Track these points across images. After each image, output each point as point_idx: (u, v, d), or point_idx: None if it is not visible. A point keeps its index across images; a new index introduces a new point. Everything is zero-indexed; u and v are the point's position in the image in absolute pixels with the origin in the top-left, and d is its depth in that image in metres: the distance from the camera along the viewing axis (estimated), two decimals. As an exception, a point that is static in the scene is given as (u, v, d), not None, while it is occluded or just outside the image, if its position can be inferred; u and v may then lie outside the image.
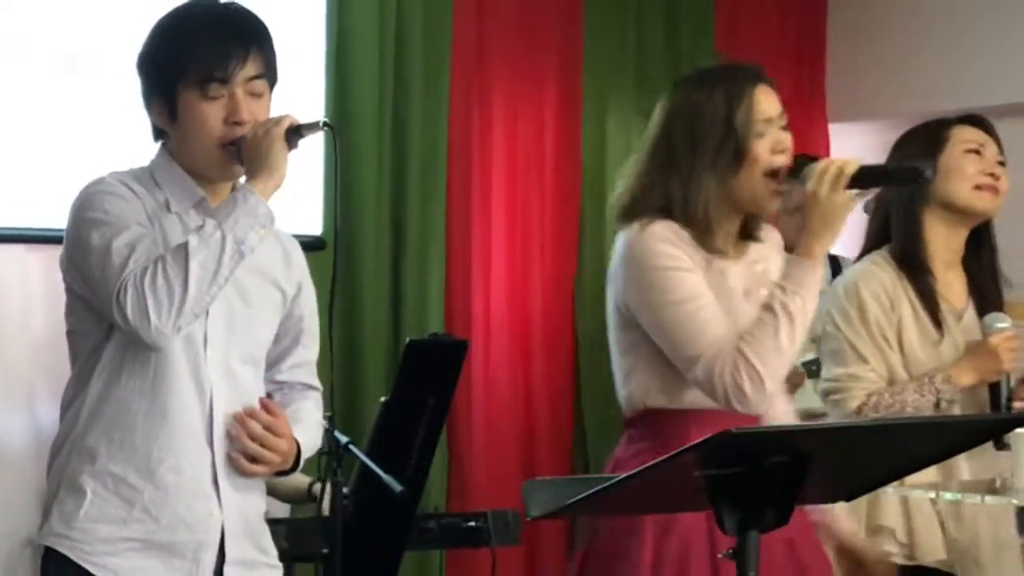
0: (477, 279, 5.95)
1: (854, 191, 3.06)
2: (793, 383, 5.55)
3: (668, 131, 3.18)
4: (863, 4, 6.74)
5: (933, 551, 3.51)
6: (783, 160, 3.16)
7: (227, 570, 2.88)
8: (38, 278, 4.97)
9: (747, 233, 3.24)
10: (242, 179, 2.91)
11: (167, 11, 2.94)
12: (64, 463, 2.86)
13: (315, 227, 5.52)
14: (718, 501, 2.35)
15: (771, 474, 2.27)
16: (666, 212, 3.13)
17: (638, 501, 2.59)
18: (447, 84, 5.90)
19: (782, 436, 2.37)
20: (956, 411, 3.50)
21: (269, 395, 3.04)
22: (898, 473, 2.68)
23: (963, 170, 3.58)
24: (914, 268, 3.56)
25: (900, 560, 3.53)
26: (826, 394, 3.55)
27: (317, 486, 4.44)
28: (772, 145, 3.18)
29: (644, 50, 6.41)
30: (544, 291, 6.07)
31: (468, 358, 5.27)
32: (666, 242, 3.09)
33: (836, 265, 5.76)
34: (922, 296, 3.54)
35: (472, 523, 4.71)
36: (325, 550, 4.05)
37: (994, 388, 3.51)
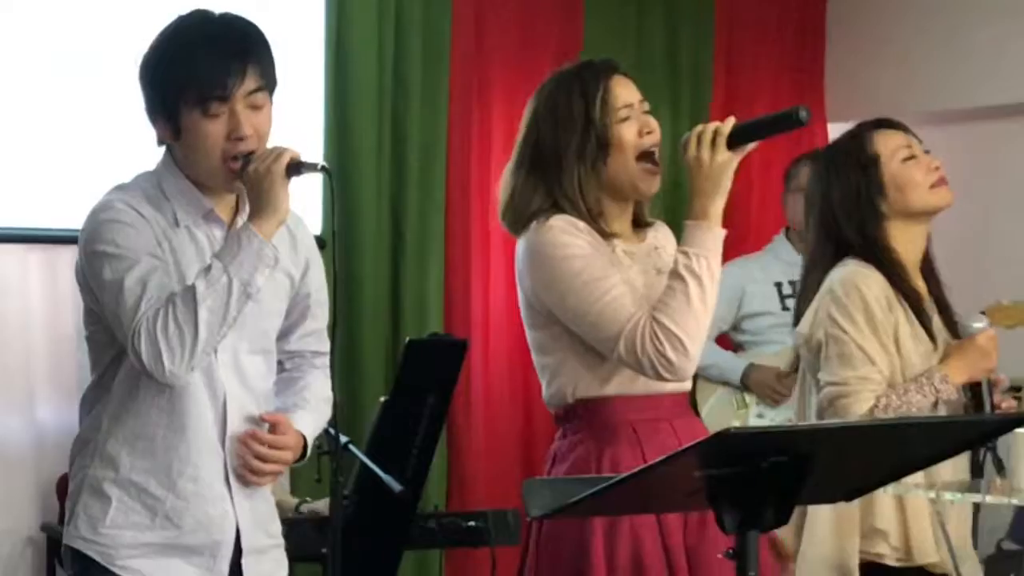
0: (476, 279, 5.95)
1: (734, 151, 3.13)
2: (781, 393, 5.54)
3: (535, 135, 3.26)
4: (862, 4, 6.74)
5: (927, 553, 3.52)
6: (652, 140, 3.23)
7: (245, 561, 2.96)
8: (37, 278, 4.97)
9: (638, 222, 3.31)
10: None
11: (165, 25, 2.95)
12: (87, 465, 2.94)
13: (315, 227, 5.52)
14: (717, 501, 2.35)
15: (770, 474, 2.28)
16: (557, 209, 3.19)
17: (638, 501, 2.59)
18: (446, 84, 5.90)
19: (782, 436, 2.37)
20: (942, 411, 3.51)
21: (280, 363, 3.11)
22: (898, 473, 2.68)
23: (913, 178, 3.60)
24: (897, 274, 3.57)
25: (891, 563, 3.53)
26: (832, 398, 3.53)
27: (304, 507, 4.47)
28: (639, 128, 3.24)
29: (644, 50, 6.41)
30: (544, 291, 6.07)
31: (467, 358, 5.27)
32: (565, 232, 3.14)
33: None
34: (911, 303, 3.56)
35: (472, 523, 4.71)
36: (325, 550, 4.06)
37: (975, 388, 3.52)
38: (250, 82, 2.87)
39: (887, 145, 3.63)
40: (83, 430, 2.98)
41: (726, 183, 3.12)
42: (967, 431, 2.60)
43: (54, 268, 4.94)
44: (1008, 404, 3.53)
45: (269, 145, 2.90)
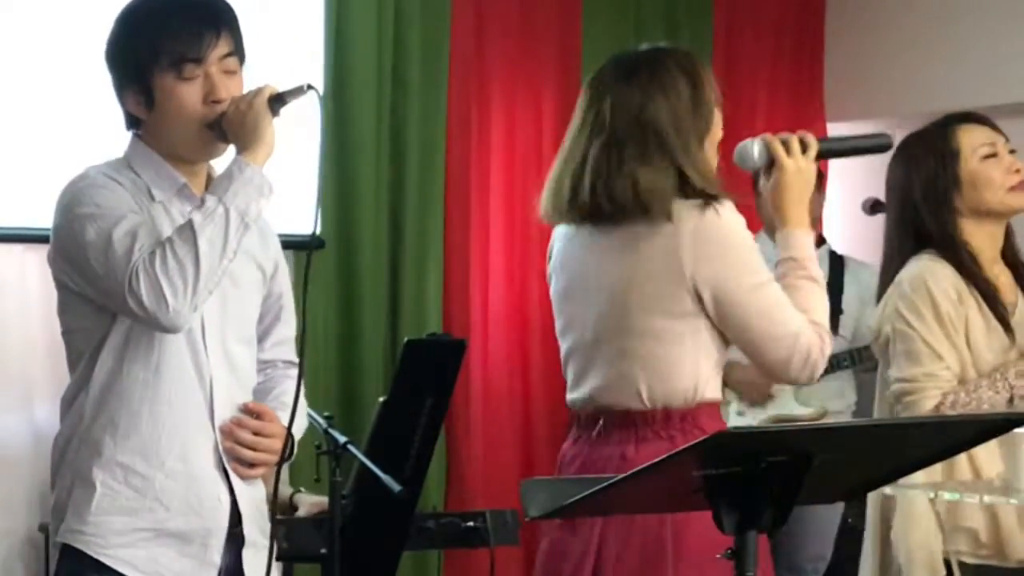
0: (475, 279, 5.95)
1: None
2: (763, 393, 5.52)
3: (647, 121, 3.15)
4: (861, 3, 6.74)
5: (1018, 551, 3.48)
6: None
7: (246, 552, 2.92)
8: (36, 278, 4.97)
9: None
10: (216, 161, 2.92)
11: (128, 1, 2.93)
12: (73, 458, 2.88)
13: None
14: (716, 501, 2.35)
15: (770, 474, 2.27)
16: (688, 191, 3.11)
17: (637, 501, 2.58)
18: (445, 84, 5.90)
19: (781, 436, 2.36)
20: (1021, 408, 3.46)
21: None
22: (898, 473, 2.67)
23: (991, 178, 3.57)
24: (969, 269, 3.54)
25: (973, 560, 3.48)
26: (900, 395, 3.50)
27: (298, 496, 4.45)
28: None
29: (643, 49, 6.40)
30: (542, 290, 6.02)
31: (467, 358, 5.27)
32: (743, 225, 3.11)
33: (841, 264, 5.71)
34: (985, 297, 3.53)
35: (471, 523, 4.70)
36: (324, 550, 4.05)
37: None
38: (223, 45, 2.85)
39: (969, 140, 3.61)
40: (62, 429, 2.91)
41: (809, 193, 3.16)
42: (967, 431, 2.60)
43: (52, 268, 4.94)
44: None
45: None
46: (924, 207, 3.58)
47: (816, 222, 5.66)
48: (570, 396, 3.25)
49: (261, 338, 3.05)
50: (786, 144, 3.11)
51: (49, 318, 4.98)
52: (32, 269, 4.96)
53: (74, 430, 2.88)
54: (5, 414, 5.03)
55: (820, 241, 5.68)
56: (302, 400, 3.08)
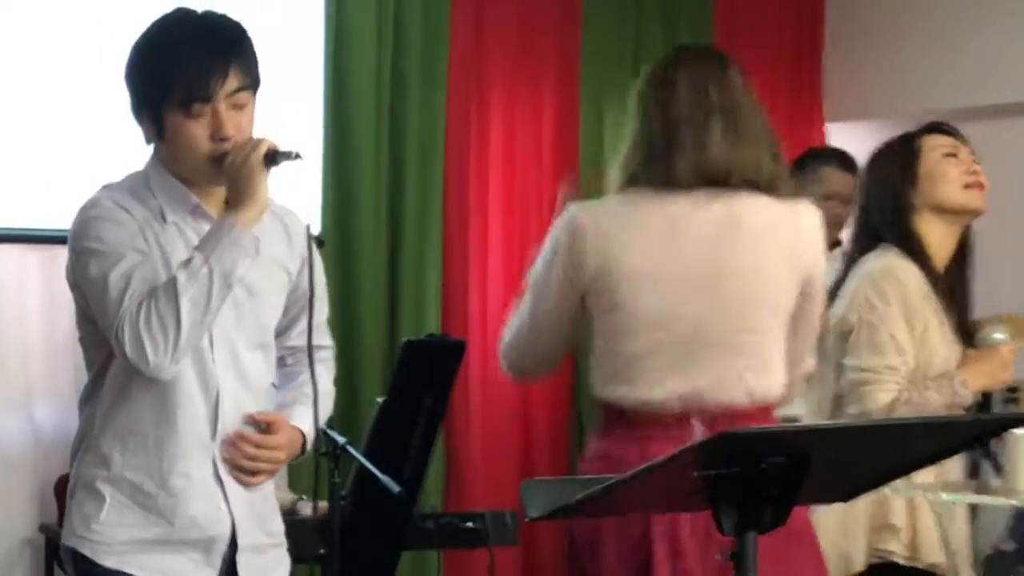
0: (474, 279, 5.95)
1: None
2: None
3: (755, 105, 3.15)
4: (860, 4, 6.74)
5: (934, 552, 3.51)
6: None
7: (240, 558, 2.95)
8: (35, 278, 4.97)
9: None
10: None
11: (148, 25, 2.95)
12: (81, 463, 2.96)
13: (313, 227, 5.52)
14: (716, 501, 2.35)
15: (769, 474, 2.27)
16: None
17: (637, 502, 2.58)
18: (445, 82, 5.90)
19: (781, 436, 2.36)
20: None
21: (282, 358, 3.10)
22: (896, 473, 2.67)
23: (947, 173, 3.62)
24: (930, 267, 3.57)
25: (900, 560, 3.52)
26: (855, 384, 3.51)
27: (300, 504, 4.46)
28: None
29: (642, 49, 6.40)
30: (542, 291, 6.07)
31: (465, 359, 5.27)
32: None
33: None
34: (943, 299, 3.54)
35: (470, 523, 4.71)
36: (323, 550, 4.05)
37: (986, 398, 3.52)
38: (232, 81, 2.86)
39: (931, 142, 3.66)
40: (80, 427, 2.99)
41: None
42: (967, 431, 2.60)
43: (52, 268, 4.93)
44: None
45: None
46: (878, 207, 3.62)
47: (840, 227, 5.65)
48: (643, 396, 3.11)
49: (287, 328, 3.10)
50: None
51: (49, 318, 5.01)
52: (32, 269, 4.96)
53: (85, 434, 2.97)
54: (5, 414, 5.03)
55: (836, 243, 5.65)
56: (330, 388, 3.14)
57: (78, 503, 2.93)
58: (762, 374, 3.07)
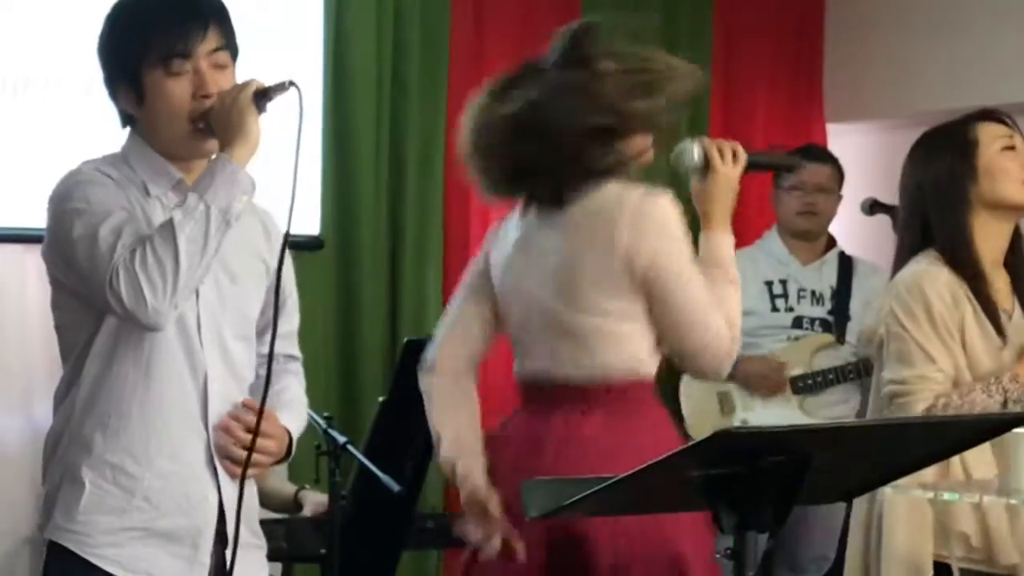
0: (475, 279, 5.94)
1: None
2: (776, 382, 5.46)
3: None
4: (860, 5, 6.73)
5: (1009, 555, 3.47)
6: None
7: (227, 554, 2.87)
8: (35, 278, 4.97)
9: None
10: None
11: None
12: (63, 454, 2.85)
13: (313, 227, 5.52)
14: (716, 501, 2.35)
15: (769, 474, 2.27)
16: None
17: (637, 501, 2.58)
18: (445, 85, 5.90)
19: (781, 436, 2.36)
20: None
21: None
22: (897, 473, 2.67)
23: (1007, 169, 3.53)
24: (968, 271, 3.51)
25: (965, 564, 3.47)
26: (892, 397, 3.49)
27: (303, 494, 4.46)
28: None
29: (642, 50, 6.40)
30: (542, 291, 6.07)
31: (466, 358, 5.25)
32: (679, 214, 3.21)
33: (850, 267, 5.63)
34: (980, 300, 3.51)
35: (470, 523, 4.70)
36: (323, 550, 4.06)
37: None
38: (212, 40, 2.84)
39: (989, 133, 3.58)
40: (54, 425, 2.89)
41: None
42: (967, 431, 2.60)
43: (52, 268, 4.95)
44: None
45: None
46: (936, 200, 3.55)
47: (829, 222, 5.63)
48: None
49: (262, 332, 3.02)
50: (721, 151, 3.25)
51: (48, 318, 5.00)
52: (31, 269, 4.96)
53: (65, 426, 2.87)
54: (5, 414, 5.03)
55: (831, 243, 5.64)
56: (304, 397, 3.08)
57: (61, 495, 2.83)
58: (604, 352, 3.21)
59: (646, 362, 3.21)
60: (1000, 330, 3.49)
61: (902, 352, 3.48)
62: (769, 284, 5.49)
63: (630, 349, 3.19)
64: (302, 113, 2.83)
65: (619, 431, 3.15)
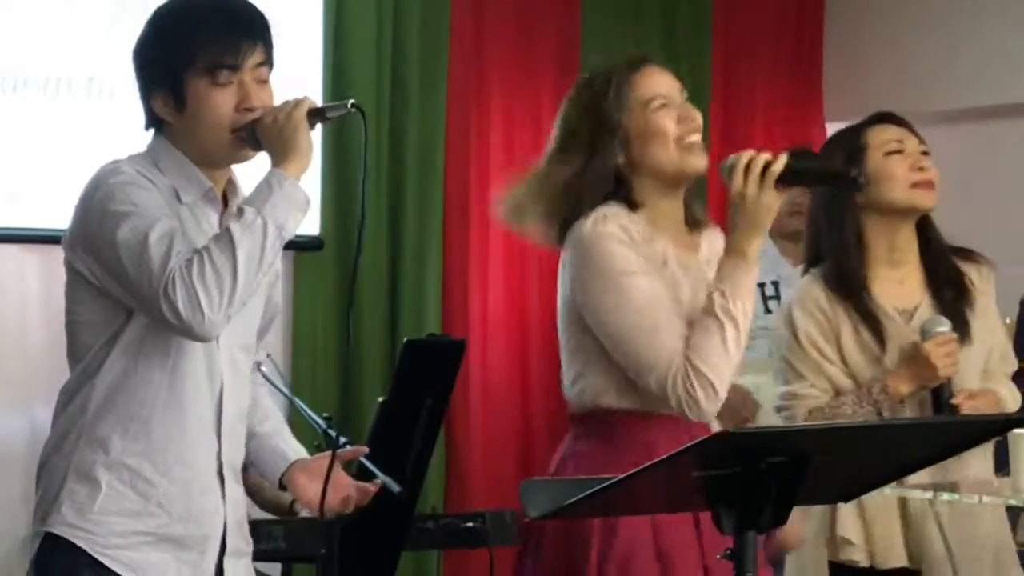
0: (474, 279, 5.95)
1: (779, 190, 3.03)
2: (744, 416, 5.46)
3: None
4: (860, 4, 6.74)
5: (894, 557, 3.50)
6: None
7: (227, 561, 2.89)
8: (35, 278, 4.98)
9: (691, 221, 3.23)
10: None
11: (162, 3, 2.92)
12: (71, 451, 2.83)
13: (313, 227, 5.53)
14: (716, 501, 2.35)
15: (769, 474, 2.27)
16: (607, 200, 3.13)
17: (636, 502, 2.58)
18: (444, 84, 5.90)
19: (781, 436, 2.37)
20: (907, 414, 3.48)
21: None
22: (897, 474, 2.68)
23: (893, 173, 3.55)
24: (846, 287, 3.54)
25: (864, 564, 3.52)
26: (778, 410, 3.60)
27: (298, 505, 4.46)
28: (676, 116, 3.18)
29: (642, 51, 6.41)
30: (541, 291, 6.07)
31: (465, 358, 5.27)
32: (621, 244, 3.06)
33: None
34: (859, 314, 3.54)
35: (470, 523, 4.71)
36: (323, 550, 4.05)
37: (937, 392, 3.49)
38: (258, 55, 2.84)
39: (877, 137, 3.60)
40: (63, 420, 2.86)
41: (768, 224, 3.04)
42: (966, 431, 2.60)
43: (52, 268, 4.92)
44: (970, 404, 3.45)
45: None
46: (825, 210, 3.60)
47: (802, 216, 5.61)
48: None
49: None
50: (748, 167, 3.01)
51: (48, 318, 5.01)
52: (31, 269, 4.97)
53: (74, 422, 2.84)
54: (5, 414, 5.03)
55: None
56: (274, 406, 3.15)
57: (69, 491, 2.81)
58: (574, 382, 3.19)
59: (607, 394, 3.13)
60: (881, 339, 3.51)
61: (778, 371, 3.61)
62: (762, 286, 5.47)
63: (587, 381, 3.15)
64: (367, 137, 2.84)
65: (602, 455, 3.13)
